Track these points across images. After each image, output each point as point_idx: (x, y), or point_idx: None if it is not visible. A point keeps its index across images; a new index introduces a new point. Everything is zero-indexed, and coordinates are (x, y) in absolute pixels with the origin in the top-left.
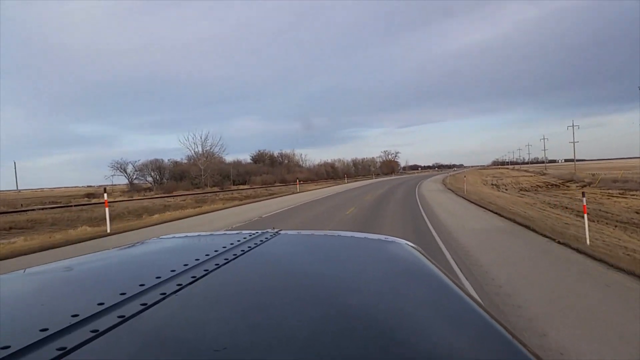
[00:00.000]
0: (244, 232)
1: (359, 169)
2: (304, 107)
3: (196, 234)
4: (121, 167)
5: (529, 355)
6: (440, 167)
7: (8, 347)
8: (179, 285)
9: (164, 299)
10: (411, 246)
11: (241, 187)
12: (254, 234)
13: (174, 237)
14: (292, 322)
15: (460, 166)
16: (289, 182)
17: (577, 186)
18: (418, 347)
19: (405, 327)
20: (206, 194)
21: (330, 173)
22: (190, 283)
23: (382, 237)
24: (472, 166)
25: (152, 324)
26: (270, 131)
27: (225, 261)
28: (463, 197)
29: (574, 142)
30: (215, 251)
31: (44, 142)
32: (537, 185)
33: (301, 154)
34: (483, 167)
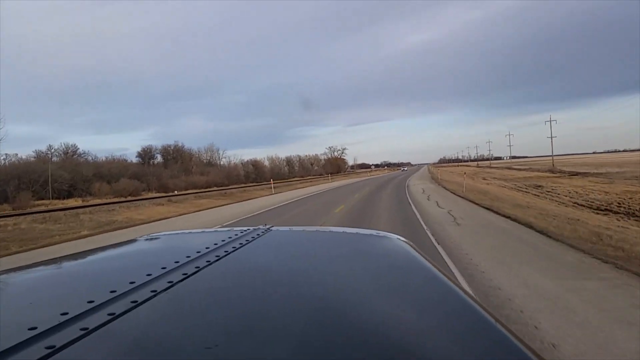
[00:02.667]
0: (235, 229)
1: (295, 169)
2: (253, 105)
3: (187, 231)
4: None
5: (522, 349)
6: (389, 165)
7: None
8: (169, 282)
9: (154, 296)
10: (403, 241)
11: (66, 201)
12: (245, 230)
13: (164, 234)
14: (285, 319)
15: (408, 164)
16: (171, 189)
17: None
18: (412, 341)
19: (399, 321)
20: None
21: (251, 174)
22: (181, 280)
23: (374, 232)
24: (420, 164)
25: (142, 321)
26: (220, 130)
27: (217, 258)
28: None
29: (551, 137)
30: (207, 248)
31: None
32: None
33: (223, 151)
34: (438, 165)
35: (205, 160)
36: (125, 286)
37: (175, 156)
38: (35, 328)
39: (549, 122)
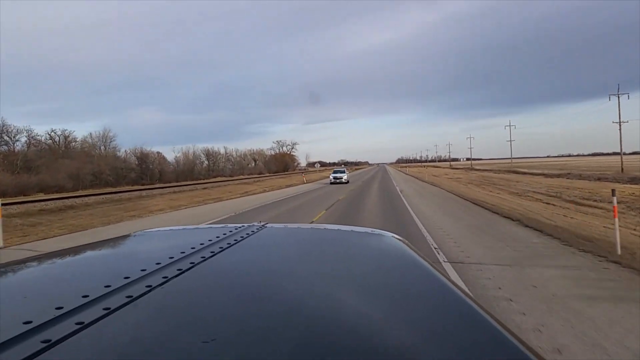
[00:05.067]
0: (229, 225)
1: (220, 166)
2: (212, 99)
3: (181, 227)
4: None
5: (520, 347)
6: (346, 164)
7: None
8: (164, 277)
9: (149, 291)
10: (398, 239)
11: None
12: (239, 227)
13: (158, 230)
14: (280, 316)
15: (366, 163)
16: None
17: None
18: (407, 339)
19: (394, 319)
20: None
21: (135, 170)
22: (176, 276)
23: (369, 230)
24: (378, 163)
25: (137, 316)
26: (174, 124)
27: (212, 254)
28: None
29: (510, 141)
30: (201, 244)
31: None
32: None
33: (112, 138)
34: (400, 165)
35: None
36: (119, 281)
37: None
38: (30, 322)
39: (504, 127)
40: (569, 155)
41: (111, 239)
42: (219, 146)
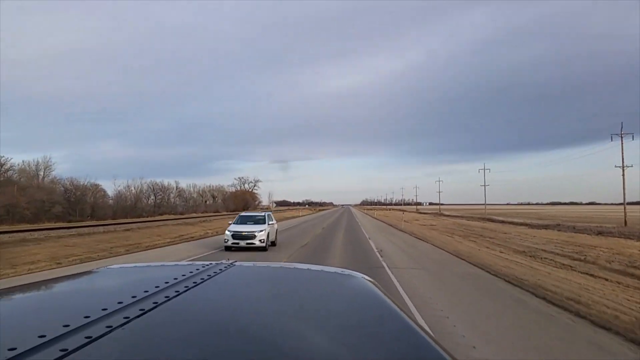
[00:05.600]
0: (197, 263)
1: (169, 203)
2: (176, 134)
3: (146, 264)
4: None
5: None
6: (311, 204)
7: None
8: (126, 318)
9: (110, 332)
10: (367, 280)
11: None
12: (207, 265)
13: (122, 267)
14: (248, 355)
15: (330, 204)
16: None
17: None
18: None
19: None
20: None
21: (62, 204)
22: (138, 316)
23: (339, 270)
24: (343, 205)
25: (96, 358)
26: (139, 158)
27: (176, 293)
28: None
29: (485, 185)
30: (166, 283)
31: None
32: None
33: (46, 166)
34: (366, 207)
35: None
36: (79, 320)
37: None
38: (14, 349)
39: (478, 170)
40: (529, 204)
41: (73, 275)
42: (170, 181)
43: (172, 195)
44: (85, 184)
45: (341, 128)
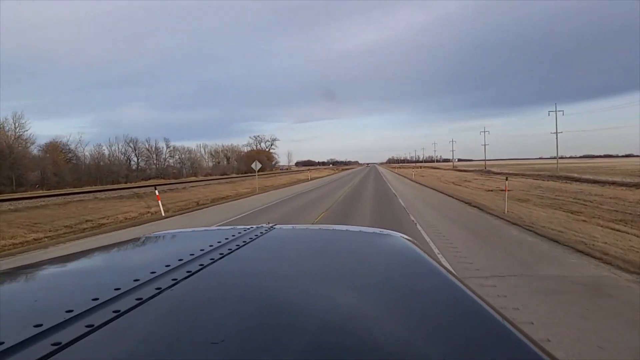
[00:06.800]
0: (238, 227)
1: (161, 166)
2: (200, 97)
3: (190, 229)
4: None
5: (527, 343)
6: (335, 163)
7: (2, 343)
8: (174, 280)
9: (159, 293)
10: (406, 239)
11: None
12: (248, 228)
13: (167, 233)
14: (291, 317)
15: (356, 163)
16: None
17: None
18: (418, 337)
19: (406, 318)
20: None
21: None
22: (186, 278)
23: (377, 230)
24: (368, 163)
25: (147, 318)
26: (164, 120)
27: (221, 255)
28: None
29: (484, 145)
30: (210, 246)
31: None
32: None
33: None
34: (392, 165)
35: None
36: (129, 284)
37: None
38: (40, 325)
39: (484, 130)
40: (562, 157)
41: (121, 242)
42: (160, 140)
43: (163, 156)
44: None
45: (365, 86)
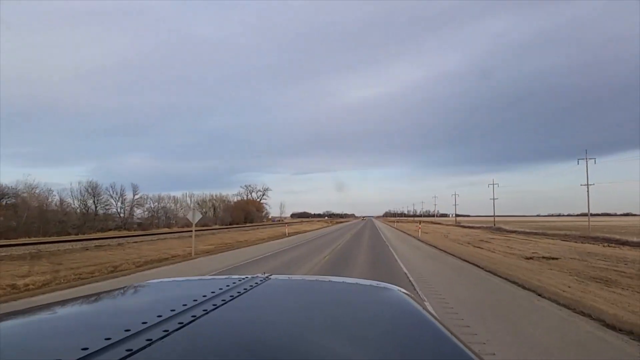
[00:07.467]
0: (233, 276)
1: (122, 215)
2: (199, 147)
3: (184, 278)
4: None
5: None
6: (331, 215)
7: None
8: (165, 331)
9: (149, 345)
10: (403, 292)
11: None
12: (243, 279)
13: (161, 281)
14: None
15: (352, 216)
16: None
17: None
18: None
19: None
20: None
21: None
22: (177, 329)
23: (374, 283)
24: (364, 217)
25: None
26: (164, 170)
27: (214, 307)
28: None
29: (493, 199)
30: (204, 296)
31: None
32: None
33: None
34: (389, 219)
35: None
36: (120, 334)
37: None
38: None
39: (490, 184)
40: (559, 215)
41: (113, 290)
42: (127, 188)
43: (128, 204)
44: None
45: (365, 140)
